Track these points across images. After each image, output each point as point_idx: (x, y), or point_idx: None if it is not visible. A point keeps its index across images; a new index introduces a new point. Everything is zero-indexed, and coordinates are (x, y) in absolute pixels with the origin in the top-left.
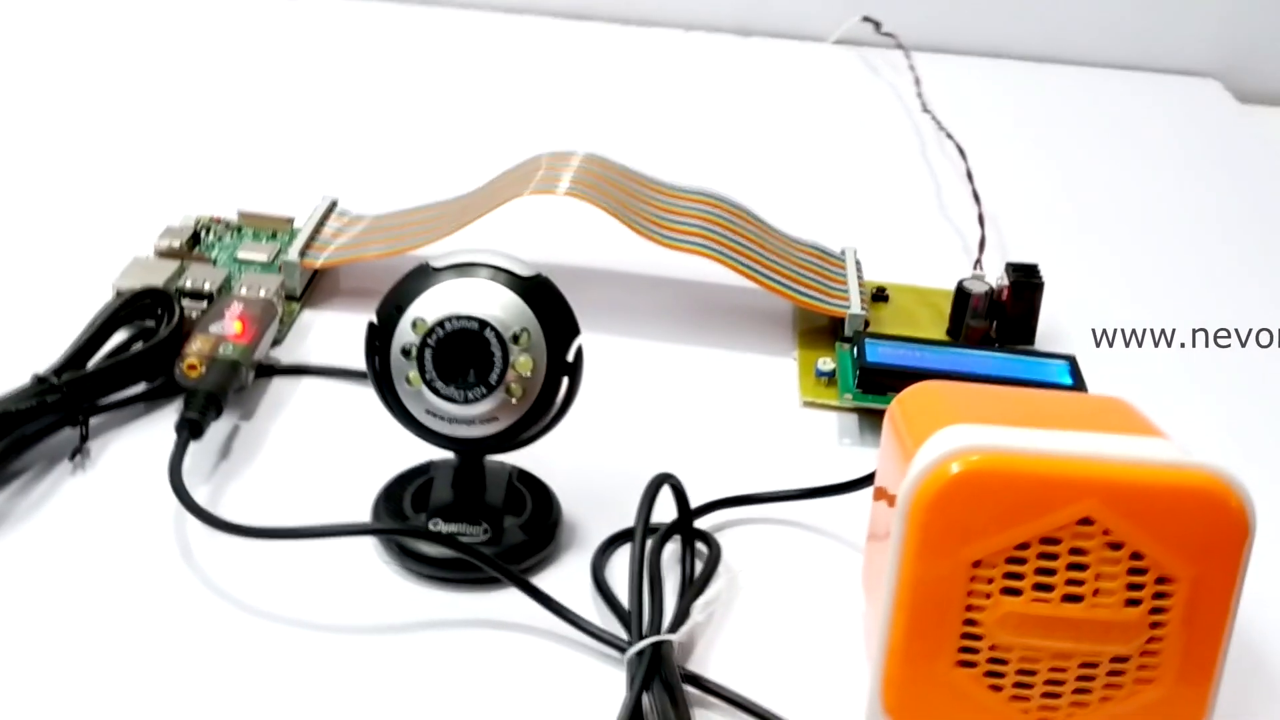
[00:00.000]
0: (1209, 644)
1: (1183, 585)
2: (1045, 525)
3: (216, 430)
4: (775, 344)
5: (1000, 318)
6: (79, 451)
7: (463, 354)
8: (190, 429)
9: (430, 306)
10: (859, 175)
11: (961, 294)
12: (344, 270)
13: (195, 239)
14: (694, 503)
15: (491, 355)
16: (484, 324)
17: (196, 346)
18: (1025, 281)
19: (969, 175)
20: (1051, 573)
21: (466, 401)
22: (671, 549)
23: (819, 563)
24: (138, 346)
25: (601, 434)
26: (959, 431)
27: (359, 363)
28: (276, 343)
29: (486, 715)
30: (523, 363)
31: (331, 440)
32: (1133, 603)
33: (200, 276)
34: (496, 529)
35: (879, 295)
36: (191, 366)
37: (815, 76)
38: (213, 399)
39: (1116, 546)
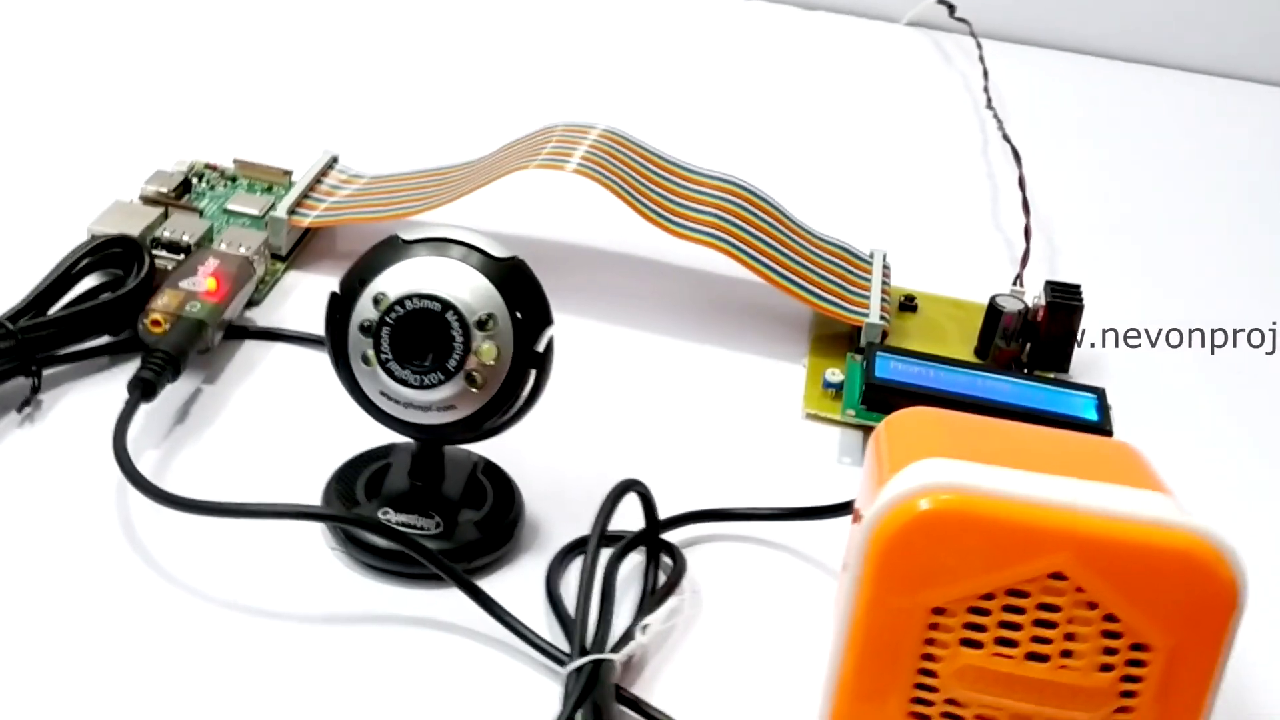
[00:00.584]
0: None
1: (1160, 655)
2: (1013, 576)
3: (176, 392)
4: (787, 348)
5: (1034, 340)
6: (28, 403)
7: (422, 336)
8: (143, 389)
9: (394, 282)
10: (910, 170)
11: (993, 311)
12: (340, 231)
13: (186, 186)
14: (668, 513)
15: (452, 339)
16: (447, 305)
17: (163, 301)
18: (1063, 302)
19: (1021, 182)
20: (1017, 627)
21: (422, 386)
22: (637, 561)
23: (791, 588)
24: (105, 296)
25: (584, 429)
26: (935, 466)
27: None
28: (254, 304)
29: (414, 718)
30: (486, 350)
31: (295, 412)
32: (1104, 668)
33: (180, 227)
34: (450, 523)
35: (907, 304)
36: (155, 322)
37: (880, 59)
38: (171, 359)
39: (1090, 606)
